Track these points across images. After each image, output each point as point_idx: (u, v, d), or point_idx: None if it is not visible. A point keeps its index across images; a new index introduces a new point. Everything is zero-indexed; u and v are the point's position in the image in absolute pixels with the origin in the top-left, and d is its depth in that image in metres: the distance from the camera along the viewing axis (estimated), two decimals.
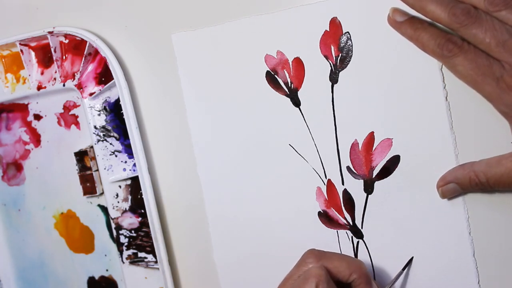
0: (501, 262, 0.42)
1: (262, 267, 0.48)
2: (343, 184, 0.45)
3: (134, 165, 0.52)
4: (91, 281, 0.56)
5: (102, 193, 0.54)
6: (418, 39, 0.40)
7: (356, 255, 0.45)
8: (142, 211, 0.52)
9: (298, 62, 0.45)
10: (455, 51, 0.37)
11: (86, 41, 0.51)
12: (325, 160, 0.45)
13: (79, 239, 0.57)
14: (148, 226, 0.50)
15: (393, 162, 0.43)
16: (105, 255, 0.56)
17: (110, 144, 0.53)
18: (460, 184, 0.40)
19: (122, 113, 0.50)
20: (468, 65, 0.37)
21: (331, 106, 0.45)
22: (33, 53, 0.55)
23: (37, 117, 0.57)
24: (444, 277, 0.43)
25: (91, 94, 0.52)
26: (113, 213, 0.53)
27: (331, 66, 0.44)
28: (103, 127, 0.53)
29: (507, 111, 0.37)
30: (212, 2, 0.48)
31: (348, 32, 0.43)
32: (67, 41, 0.53)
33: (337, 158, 0.45)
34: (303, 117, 0.46)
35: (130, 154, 0.52)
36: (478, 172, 0.39)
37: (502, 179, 0.38)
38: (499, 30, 0.36)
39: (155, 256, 0.51)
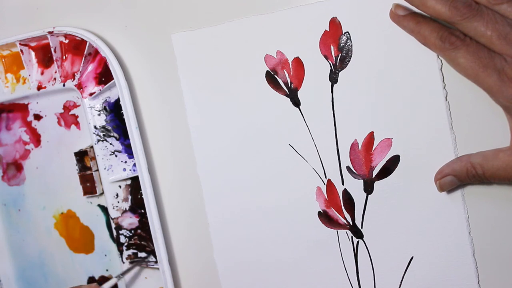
0: (501, 262, 0.42)
1: (262, 266, 0.48)
2: (343, 184, 0.45)
3: (134, 165, 0.52)
4: (91, 281, 0.56)
5: (102, 193, 0.54)
6: (420, 32, 0.40)
7: (356, 255, 0.45)
8: (142, 211, 0.52)
9: (298, 62, 0.45)
10: (457, 44, 0.37)
11: (86, 41, 0.51)
12: (325, 160, 0.45)
13: (79, 239, 0.57)
14: (148, 226, 0.50)
15: (393, 162, 0.43)
16: (105, 255, 0.56)
17: (110, 144, 0.53)
18: (458, 177, 0.40)
19: (122, 113, 0.50)
20: (470, 58, 0.37)
21: (331, 106, 0.45)
22: (33, 53, 0.55)
23: (37, 117, 0.57)
24: (444, 277, 0.43)
25: (91, 94, 0.52)
26: (113, 213, 0.53)
27: (330, 66, 0.44)
28: (103, 127, 0.53)
29: (508, 104, 0.37)
30: (212, 2, 0.48)
31: (347, 32, 0.43)
32: (67, 41, 0.53)
33: (337, 158, 0.45)
34: (303, 117, 0.46)
35: (130, 154, 0.52)
36: (475, 164, 0.39)
37: (498, 172, 0.38)
38: (501, 23, 0.36)
39: (155, 256, 0.51)
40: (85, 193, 0.55)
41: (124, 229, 0.53)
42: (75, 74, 0.53)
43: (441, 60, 0.41)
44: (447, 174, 0.41)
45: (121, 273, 0.52)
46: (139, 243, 0.53)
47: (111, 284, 0.52)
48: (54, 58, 0.53)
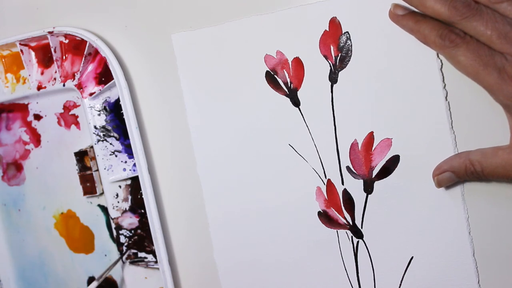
0: (501, 262, 0.42)
1: (262, 266, 0.48)
2: (343, 184, 0.45)
3: (134, 165, 0.52)
4: (91, 281, 0.56)
5: (102, 193, 0.54)
6: (419, 31, 0.40)
7: (356, 255, 0.45)
8: (142, 211, 0.52)
9: (297, 62, 0.45)
10: (458, 42, 0.37)
11: (86, 41, 0.51)
12: (325, 160, 0.45)
13: (79, 239, 0.57)
14: (148, 226, 0.50)
15: (393, 162, 0.43)
16: (105, 255, 0.56)
17: (110, 144, 0.53)
18: (456, 173, 0.40)
19: (122, 113, 0.50)
20: (470, 55, 0.37)
21: (331, 106, 0.45)
22: (33, 53, 0.55)
23: (37, 117, 0.57)
24: (444, 277, 0.43)
25: (91, 94, 0.52)
26: (113, 213, 0.53)
27: (330, 66, 0.44)
28: (103, 127, 0.53)
29: (508, 102, 0.37)
30: (212, 2, 0.48)
31: (347, 32, 0.43)
32: (67, 41, 0.53)
33: (337, 158, 0.45)
34: (303, 117, 0.46)
35: (130, 154, 0.52)
36: (474, 161, 0.39)
37: (497, 170, 0.38)
38: (501, 22, 0.36)
39: (155, 256, 0.51)
40: (85, 193, 0.55)
41: (124, 229, 0.53)
42: (75, 74, 0.53)
43: (441, 60, 0.41)
44: (445, 170, 0.41)
45: (100, 274, 0.52)
46: (139, 243, 0.53)
47: (93, 286, 0.52)
48: (54, 58, 0.53)
